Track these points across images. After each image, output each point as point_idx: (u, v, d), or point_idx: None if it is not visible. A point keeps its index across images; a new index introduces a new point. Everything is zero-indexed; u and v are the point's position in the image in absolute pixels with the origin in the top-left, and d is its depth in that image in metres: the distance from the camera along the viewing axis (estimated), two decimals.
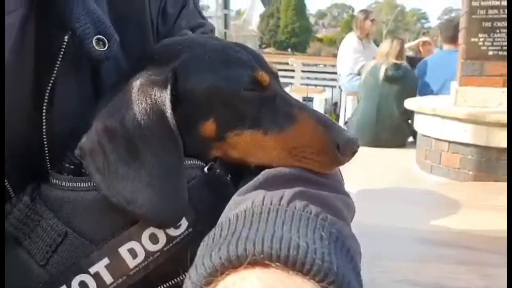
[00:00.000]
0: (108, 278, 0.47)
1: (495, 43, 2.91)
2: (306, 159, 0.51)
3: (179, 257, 0.48)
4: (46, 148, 0.56)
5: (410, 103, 3.37)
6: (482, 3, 2.92)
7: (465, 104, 2.91)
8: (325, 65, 7.75)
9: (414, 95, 3.86)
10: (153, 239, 0.48)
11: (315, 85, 7.10)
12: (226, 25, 11.53)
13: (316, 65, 8.07)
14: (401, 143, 3.98)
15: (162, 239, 0.48)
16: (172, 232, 0.48)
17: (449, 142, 2.93)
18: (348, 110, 5.55)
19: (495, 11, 2.91)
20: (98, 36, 0.56)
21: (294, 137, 0.51)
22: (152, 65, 0.54)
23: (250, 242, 0.37)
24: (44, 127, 0.55)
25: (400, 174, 3.19)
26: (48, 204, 0.50)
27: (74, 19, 0.54)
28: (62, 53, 0.54)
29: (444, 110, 2.93)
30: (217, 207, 0.48)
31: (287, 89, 7.20)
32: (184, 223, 0.49)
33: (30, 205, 0.51)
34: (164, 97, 0.49)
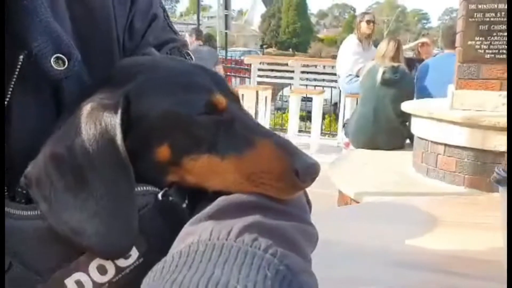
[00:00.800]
0: None
1: (492, 46, 2.89)
2: (264, 185, 0.49)
3: None
4: (5, 172, 0.54)
5: (407, 106, 3.35)
6: (479, 6, 2.90)
7: (461, 107, 2.89)
8: (324, 67, 7.72)
9: (411, 98, 3.84)
10: (102, 270, 0.46)
11: (315, 86, 7.07)
12: (226, 26, 11.55)
13: (315, 66, 8.05)
14: (398, 146, 3.95)
15: (111, 270, 0.46)
16: (122, 262, 0.46)
17: (445, 145, 2.91)
18: (347, 111, 5.54)
19: (492, 14, 2.88)
20: (57, 55, 0.54)
21: (252, 163, 0.49)
22: (106, 87, 0.52)
23: (183, 287, 0.35)
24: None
25: (396, 177, 3.17)
26: None
27: (31, 38, 0.53)
28: (17, 72, 0.53)
29: (440, 113, 2.91)
30: (170, 236, 0.46)
31: (286, 90, 7.20)
32: (134, 253, 0.47)
33: None
34: (114, 122, 0.47)
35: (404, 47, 5.62)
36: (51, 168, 0.47)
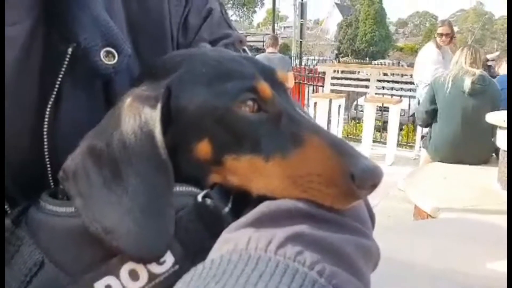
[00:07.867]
0: None
1: None
2: (313, 190, 0.43)
3: None
4: (49, 167, 0.53)
5: (492, 117, 3.09)
6: None
7: None
8: (402, 75, 7.41)
9: (497, 108, 3.55)
10: (133, 275, 0.43)
11: (392, 95, 6.80)
12: (301, 35, 11.55)
13: (392, 74, 7.74)
14: (483, 160, 3.66)
15: (143, 276, 0.43)
16: (155, 268, 0.43)
17: None
18: None
19: None
20: (107, 48, 0.53)
21: (299, 164, 0.44)
22: (149, 79, 0.50)
23: None
24: (45, 144, 0.52)
25: (478, 193, 2.93)
26: (31, 228, 0.47)
27: (79, 30, 0.52)
28: (65, 66, 0.52)
29: None
30: (209, 242, 0.42)
31: (362, 100, 6.97)
32: (169, 259, 0.43)
33: (12, 229, 0.47)
34: (154, 116, 0.44)
35: (489, 56, 5.25)
36: (88, 161, 0.45)
